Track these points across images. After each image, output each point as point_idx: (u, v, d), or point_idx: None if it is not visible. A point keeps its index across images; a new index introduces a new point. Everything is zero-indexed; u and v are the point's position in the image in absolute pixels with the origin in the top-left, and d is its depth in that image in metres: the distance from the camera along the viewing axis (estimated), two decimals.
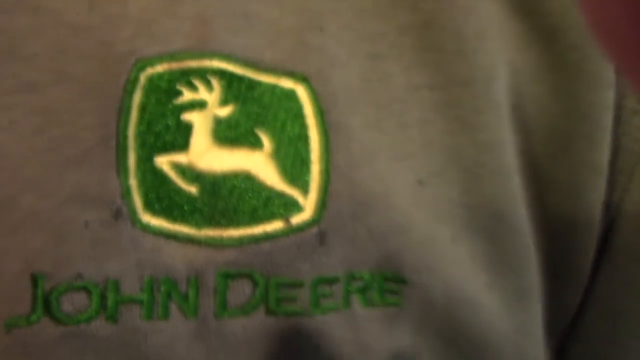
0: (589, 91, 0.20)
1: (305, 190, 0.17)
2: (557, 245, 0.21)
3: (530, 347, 0.22)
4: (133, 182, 0.16)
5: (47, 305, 0.16)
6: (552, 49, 0.20)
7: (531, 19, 0.20)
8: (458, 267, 0.19)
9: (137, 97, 0.17)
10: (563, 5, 0.19)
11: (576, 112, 0.20)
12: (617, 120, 0.21)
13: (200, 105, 0.17)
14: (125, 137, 0.16)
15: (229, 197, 0.17)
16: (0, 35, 0.17)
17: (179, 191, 0.17)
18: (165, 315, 0.16)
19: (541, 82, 0.20)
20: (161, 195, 0.16)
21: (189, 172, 0.17)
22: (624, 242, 0.22)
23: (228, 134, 0.17)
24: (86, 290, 0.16)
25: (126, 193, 0.16)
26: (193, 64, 0.17)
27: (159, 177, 0.16)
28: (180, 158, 0.17)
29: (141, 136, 0.16)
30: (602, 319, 0.22)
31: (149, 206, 0.16)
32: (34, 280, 0.16)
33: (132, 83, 0.17)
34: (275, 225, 0.17)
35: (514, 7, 0.20)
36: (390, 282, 0.18)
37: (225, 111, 0.17)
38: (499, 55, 0.19)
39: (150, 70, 0.17)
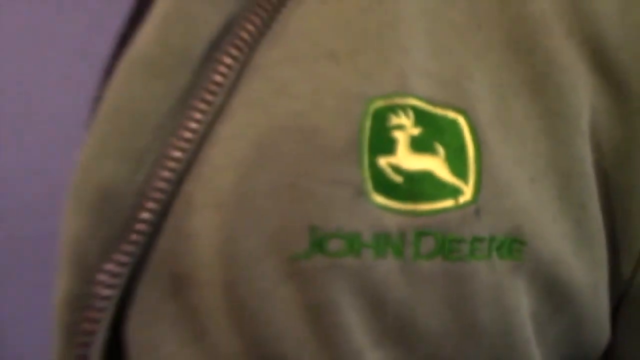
0: None
1: (466, 182, 0.27)
2: (617, 229, 0.31)
3: (600, 304, 0.31)
4: (366, 174, 0.26)
5: (319, 245, 0.26)
6: (620, 97, 0.30)
7: (605, 75, 0.30)
8: (556, 239, 0.29)
9: (367, 122, 0.27)
10: (628, 66, 0.30)
11: (635, 138, 0.30)
12: None
13: (402, 127, 0.27)
14: (362, 145, 0.26)
15: (420, 185, 0.27)
16: (270, 82, 0.27)
17: (391, 180, 0.27)
18: (385, 256, 0.26)
19: (611, 118, 0.30)
20: (382, 182, 0.27)
21: (395, 169, 0.27)
22: None
23: (418, 146, 0.27)
24: (342, 238, 0.26)
25: (363, 181, 0.26)
26: (399, 101, 0.27)
27: (380, 171, 0.27)
28: (392, 160, 0.27)
29: (370, 145, 0.27)
30: None
31: (376, 189, 0.26)
32: (311, 231, 0.26)
33: (365, 113, 0.27)
34: (449, 203, 0.27)
35: (594, 66, 0.30)
36: (516, 243, 0.28)
37: (416, 131, 0.27)
38: (584, 99, 0.29)
39: (375, 105, 0.27)
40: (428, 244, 0.27)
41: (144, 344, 0.28)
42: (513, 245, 0.28)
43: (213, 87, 0.27)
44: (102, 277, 0.26)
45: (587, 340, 0.32)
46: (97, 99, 0.28)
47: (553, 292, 0.30)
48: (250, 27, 0.27)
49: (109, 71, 0.29)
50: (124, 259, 0.26)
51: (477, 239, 0.27)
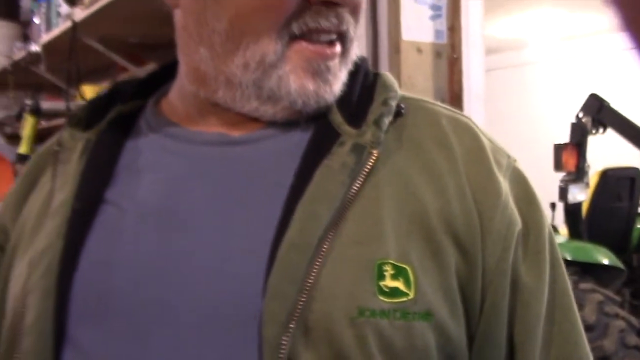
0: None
1: (411, 290, 0.73)
2: (469, 311, 0.78)
3: (462, 343, 0.77)
4: (376, 288, 0.72)
5: (361, 314, 0.70)
6: (466, 258, 0.76)
7: (460, 249, 0.77)
8: (445, 314, 0.75)
9: (375, 270, 0.72)
10: (469, 245, 0.77)
11: (473, 275, 0.77)
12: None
13: (387, 270, 0.73)
14: (374, 278, 0.72)
15: (395, 293, 0.72)
16: (333, 252, 0.73)
17: (385, 290, 0.72)
18: (383, 318, 0.71)
19: (464, 266, 0.76)
20: (382, 291, 0.72)
21: (385, 286, 0.72)
22: (488, 307, 0.78)
23: (394, 278, 0.73)
24: (369, 311, 0.71)
25: (376, 290, 0.71)
26: (386, 261, 0.72)
27: (381, 287, 0.72)
28: (385, 283, 0.72)
29: (377, 277, 0.72)
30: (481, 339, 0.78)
31: (379, 294, 0.72)
32: (358, 309, 0.70)
33: (374, 266, 0.72)
34: (405, 299, 0.72)
35: (455, 246, 0.77)
36: (429, 315, 0.73)
37: (392, 272, 0.73)
38: (453, 259, 0.76)
39: (378, 262, 0.72)
40: (398, 314, 0.72)
41: None
42: (428, 316, 0.74)
43: (317, 263, 0.72)
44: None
45: None
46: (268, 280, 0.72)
47: (443, 336, 0.75)
48: (332, 233, 0.73)
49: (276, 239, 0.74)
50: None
51: (415, 313, 0.73)
